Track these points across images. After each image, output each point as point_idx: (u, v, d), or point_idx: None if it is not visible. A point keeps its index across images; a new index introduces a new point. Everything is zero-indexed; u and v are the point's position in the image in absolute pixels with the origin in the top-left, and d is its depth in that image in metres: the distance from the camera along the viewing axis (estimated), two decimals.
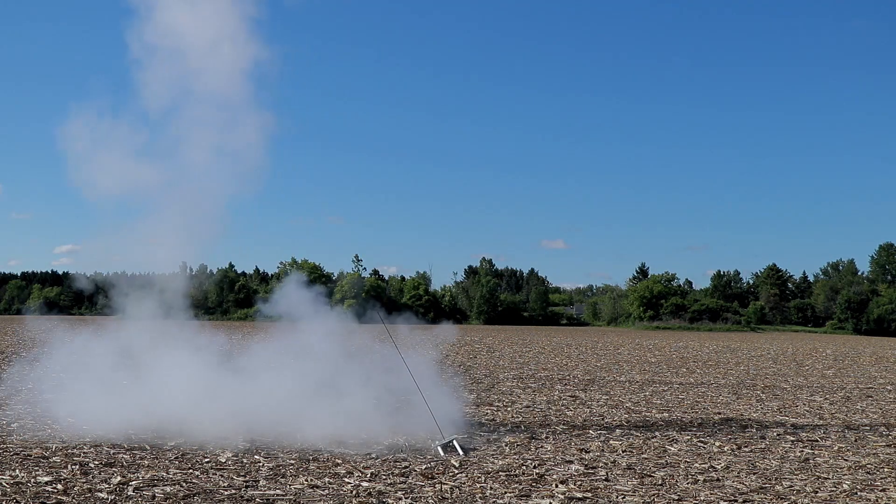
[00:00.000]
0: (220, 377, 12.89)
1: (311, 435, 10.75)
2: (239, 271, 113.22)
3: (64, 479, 7.98)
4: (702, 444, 11.12)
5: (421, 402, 11.91)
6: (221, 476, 8.35)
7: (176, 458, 9.24)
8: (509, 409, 14.60)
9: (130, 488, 7.71)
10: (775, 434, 12.26)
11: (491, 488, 8.10)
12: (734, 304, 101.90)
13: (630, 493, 8.07)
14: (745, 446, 11.05)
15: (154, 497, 7.44)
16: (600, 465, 9.46)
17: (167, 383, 12.50)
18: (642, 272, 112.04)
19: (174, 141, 13.52)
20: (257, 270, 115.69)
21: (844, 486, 8.67)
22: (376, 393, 12.99)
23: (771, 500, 7.99)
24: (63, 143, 13.40)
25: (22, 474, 8.14)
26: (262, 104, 13.41)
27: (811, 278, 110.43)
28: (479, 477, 8.60)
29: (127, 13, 13.44)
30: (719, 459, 9.99)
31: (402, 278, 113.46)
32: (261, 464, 9.00)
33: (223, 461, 9.09)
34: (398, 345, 12.73)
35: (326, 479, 8.31)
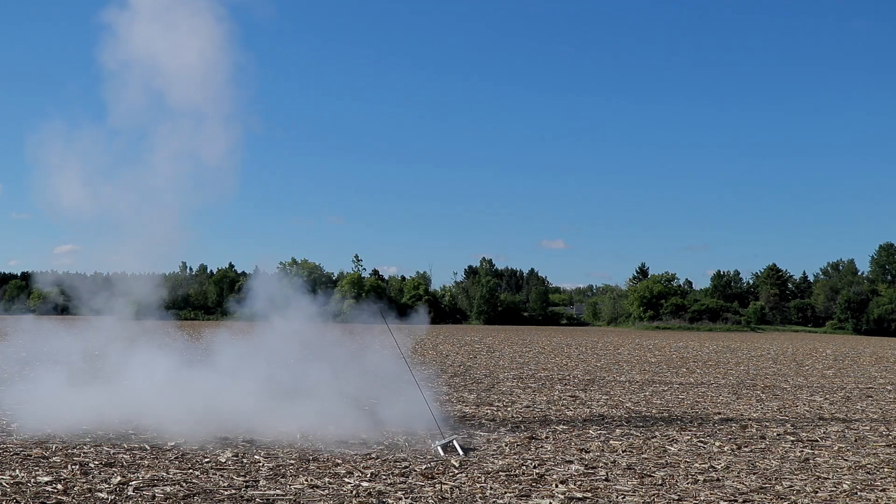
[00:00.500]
0: (184, 375, 13.23)
1: (284, 431, 10.97)
2: (239, 271, 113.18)
3: (64, 479, 7.99)
4: (702, 444, 11.12)
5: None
6: (221, 476, 8.35)
7: (176, 458, 9.24)
8: (509, 409, 14.60)
9: (130, 488, 7.71)
10: (775, 434, 12.26)
11: (491, 488, 8.10)
12: (734, 304, 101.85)
13: (630, 493, 8.08)
14: (745, 446, 11.06)
15: (154, 497, 7.44)
16: (600, 465, 9.46)
17: (126, 382, 12.89)
18: (642, 272, 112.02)
19: (144, 153, 13.97)
20: (257, 270, 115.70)
21: (844, 486, 8.67)
22: (348, 390, 13.19)
23: (771, 500, 7.99)
24: (31, 157, 13.82)
25: (22, 474, 8.15)
26: (236, 112, 13.76)
27: (811, 278, 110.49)
28: (479, 477, 8.60)
29: (100, 28, 13.76)
30: (719, 459, 10.00)
31: (403, 278, 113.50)
32: (261, 464, 9.00)
33: (223, 461, 9.10)
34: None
35: (326, 479, 8.31)
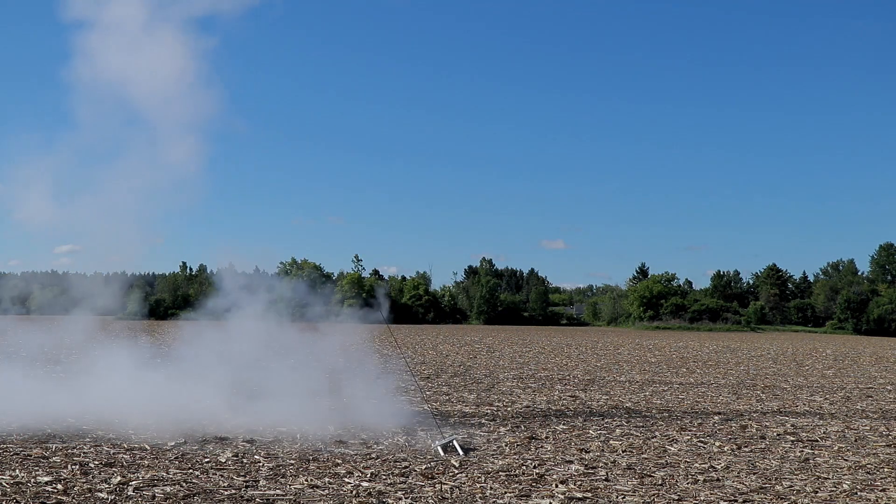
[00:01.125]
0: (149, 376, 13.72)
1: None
2: (239, 272, 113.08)
3: (64, 479, 7.98)
4: (702, 444, 11.12)
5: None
6: (221, 476, 8.35)
7: (176, 458, 9.24)
8: (509, 409, 14.60)
9: (130, 488, 7.71)
10: (775, 434, 12.26)
11: (491, 488, 8.10)
12: (734, 304, 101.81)
13: (630, 493, 8.08)
14: (745, 446, 11.06)
15: (154, 497, 7.44)
16: (600, 465, 9.46)
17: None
18: (642, 272, 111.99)
19: (110, 163, 14.56)
20: (257, 270, 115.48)
21: (844, 486, 8.68)
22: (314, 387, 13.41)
23: (771, 500, 7.99)
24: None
25: (22, 474, 8.15)
26: (209, 119, 14.20)
27: (811, 278, 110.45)
28: (479, 477, 8.60)
29: (69, 41, 14.17)
30: (719, 459, 10.00)
31: (403, 278, 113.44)
32: (261, 464, 9.00)
33: (223, 461, 9.10)
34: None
35: (326, 479, 8.31)
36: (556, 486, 8.27)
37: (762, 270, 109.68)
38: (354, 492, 7.81)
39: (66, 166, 14.31)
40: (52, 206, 14.23)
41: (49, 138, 14.77)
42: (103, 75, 13.90)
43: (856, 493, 8.33)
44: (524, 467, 9.16)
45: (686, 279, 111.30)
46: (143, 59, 14.01)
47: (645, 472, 9.11)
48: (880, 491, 8.47)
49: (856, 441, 11.82)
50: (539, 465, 9.35)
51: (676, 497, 7.96)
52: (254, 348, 14.27)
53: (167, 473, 8.39)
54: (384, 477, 8.50)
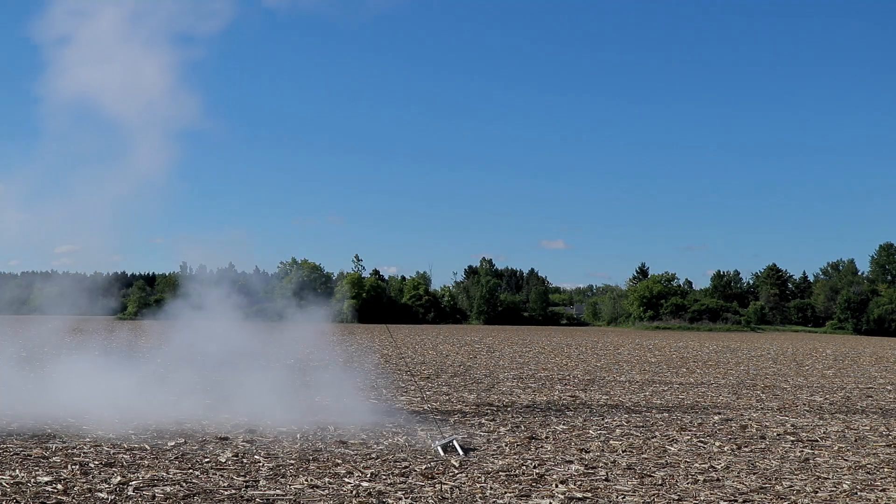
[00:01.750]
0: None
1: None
2: (238, 271, 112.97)
3: (64, 479, 7.99)
4: (702, 444, 11.12)
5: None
6: (221, 476, 8.35)
7: (176, 458, 9.24)
8: (509, 409, 14.60)
9: (130, 488, 7.71)
10: (775, 434, 12.26)
11: (491, 488, 8.10)
12: (734, 304, 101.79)
13: (630, 493, 8.08)
14: (745, 446, 11.06)
15: (154, 497, 7.44)
16: (600, 465, 9.46)
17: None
18: (642, 272, 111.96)
19: (78, 169, 14.97)
20: (257, 270, 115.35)
21: (844, 486, 8.68)
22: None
23: (771, 500, 7.99)
24: None
25: (22, 474, 8.15)
26: (181, 124, 14.48)
27: (811, 278, 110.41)
28: (479, 477, 8.60)
29: (40, 66, 14.45)
30: (719, 459, 10.00)
31: (403, 278, 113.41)
32: (261, 464, 9.00)
33: (223, 461, 9.10)
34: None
35: (326, 479, 8.31)
36: (556, 486, 8.27)
37: (762, 270, 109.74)
38: (354, 492, 7.81)
39: (41, 174, 14.61)
40: (24, 213, 14.52)
41: (25, 147, 15.21)
42: (79, 87, 14.18)
43: (856, 493, 8.34)
44: (524, 467, 9.16)
45: (686, 279, 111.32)
46: (119, 69, 14.31)
47: (645, 472, 9.11)
48: (880, 491, 8.47)
49: (856, 441, 11.82)
50: (539, 465, 9.35)
51: (676, 497, 7.96)
52: (230, 348, 14.37)
53: (167, 473, 8.39)
54: (384, 477, 8.50)
